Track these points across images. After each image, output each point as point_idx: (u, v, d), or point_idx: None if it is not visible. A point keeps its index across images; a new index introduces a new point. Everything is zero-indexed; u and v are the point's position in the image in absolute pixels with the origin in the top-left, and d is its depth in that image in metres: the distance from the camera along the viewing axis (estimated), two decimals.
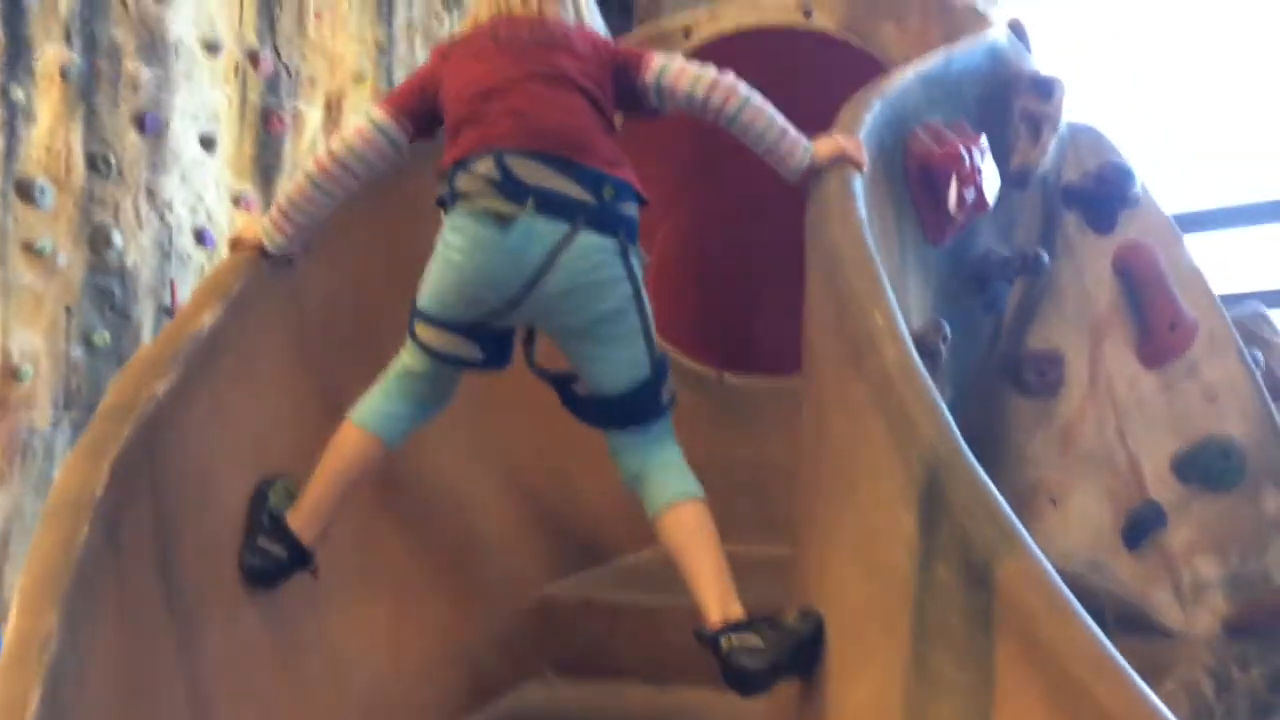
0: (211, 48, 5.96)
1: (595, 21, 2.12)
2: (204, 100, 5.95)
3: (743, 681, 1.50)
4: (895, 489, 1.29)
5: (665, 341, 2.81)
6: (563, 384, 1.82)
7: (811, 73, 2.53)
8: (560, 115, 1.74)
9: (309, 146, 6.39)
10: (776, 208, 2.56)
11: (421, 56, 6.97)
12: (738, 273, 2.92)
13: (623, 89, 1.83)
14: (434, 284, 1.74)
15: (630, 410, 1.76)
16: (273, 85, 6.29)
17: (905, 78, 2.02)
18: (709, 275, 2.92)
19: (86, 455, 1.33)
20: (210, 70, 6.00)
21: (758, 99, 1.78)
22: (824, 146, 1.77)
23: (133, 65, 5.66)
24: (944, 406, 1.28)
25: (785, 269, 2.70)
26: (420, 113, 1.85)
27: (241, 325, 1.67)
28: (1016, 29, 2.52)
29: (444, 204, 1.76)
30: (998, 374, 2.49)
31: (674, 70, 1.80)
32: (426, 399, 1.82)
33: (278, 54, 6.34)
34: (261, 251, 1.82)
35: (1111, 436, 2.49)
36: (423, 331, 1.76)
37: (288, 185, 1.88)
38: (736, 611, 1.59)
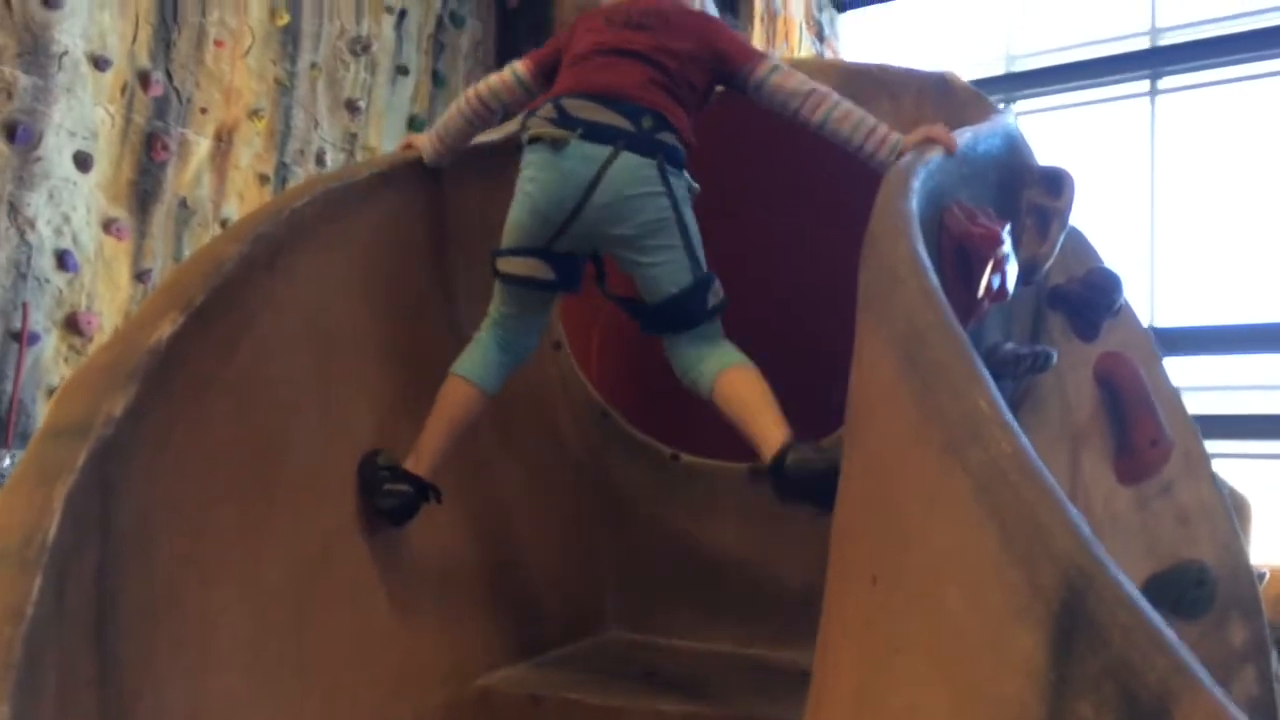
0: (100, 63, 5.56)
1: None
2: (84, 116, 5.52)
3: (807, 480, 1.77)
4: (1009, 603, 1.09)
5: (619, 415, 2.63)
6: (628, 304, 2.07)
7: (804, 137, 2.40)
8: (615, 76, 2.02)
9: (193, 178, 6.01)
10: (738, 280, 2.41)
11: (324, 100, 6.70)
12: None
13: (721, 75, 2.12)
14: (511, 219, 2.03)
15: (681, 312, 1.99)
16: (161, 109, 5.90)
17: (933, 149, 1.88)
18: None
19: (34, 484, 1.02)
20: (95, 86, 5.59)
21: (844, 107, 2.03)
22: (912, 136, 1.95)
23: (9, 71, 5.22)
24: (1077, 511, 1.10)
25: (746, 346, 2.54)
26: (552, 70, 2.17)
27: (203, 340, 1.38)
28: None
29: (518, 148, 2.06)
30: None
31: (778, 78, 2.07)
32: (516, 340, 2.08)
33: (170, 77, 5.96)
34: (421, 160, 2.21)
35: None
36: (504, 263, 2.04)
37: (444, 114, 2.28)
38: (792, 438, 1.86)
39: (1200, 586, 2.36)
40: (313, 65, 6.65)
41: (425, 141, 2.25)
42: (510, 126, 2.46)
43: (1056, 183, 2.22)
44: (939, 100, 2.42)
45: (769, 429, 1.88)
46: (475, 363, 2.04)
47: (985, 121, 2.23)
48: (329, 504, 1.73)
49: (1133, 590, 1.03)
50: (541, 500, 2.47)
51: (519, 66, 2.22)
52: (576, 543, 2.51)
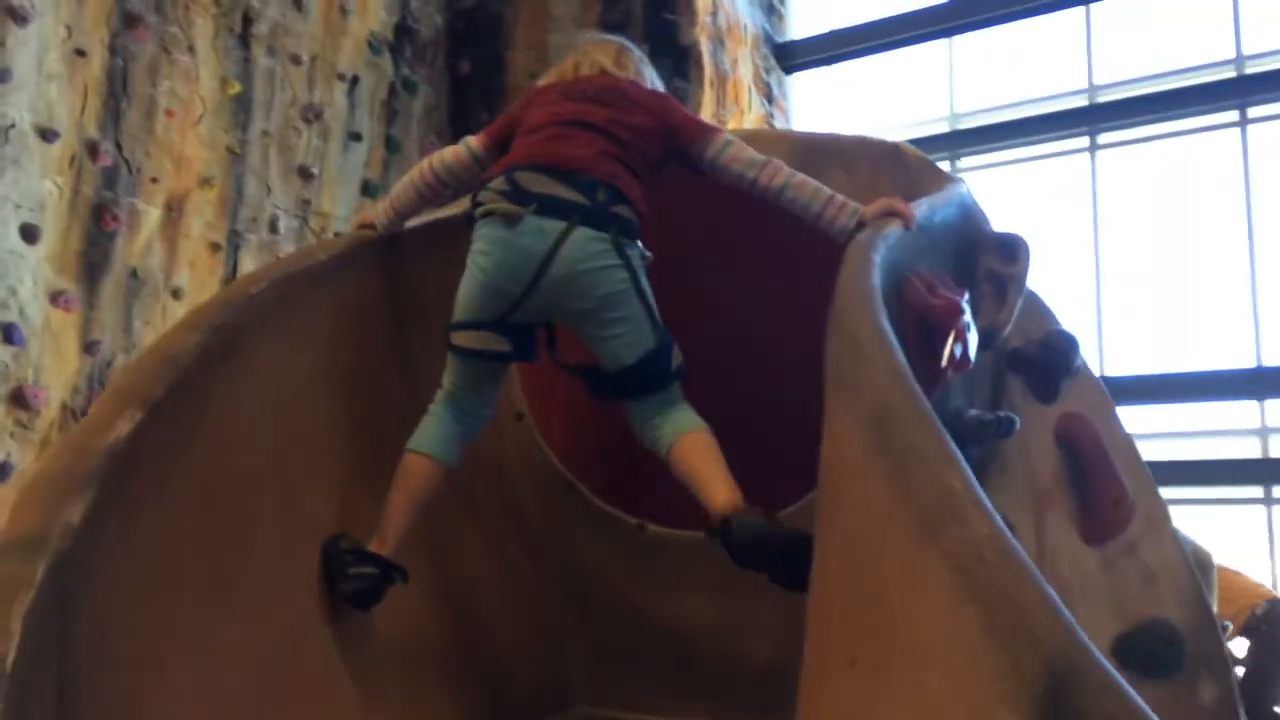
0: (47, 135, 5.50)
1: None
2: (31, 188, 5.44)
3: (755, 544, 1.81)
4: (991, 688, 1.08)
5: (583, 486, 2.60)
6: (584, 373, 2.10)
7: (757, 213, 2.42)
8: (569, 148, 2.03)
9: (143, 248, 5.94)
10: (702, 346, 2.41)
11: (276, 167, 6.67)
12: None
13: (674, 150, 2.13)
14: (463, 293, 2.03)
15: (643, 379, 2.02)
16: (110, 179, 5.84)
17: (891, 224, 1.90)
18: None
19: None
20: (42, 157, 5.52)
21: (799, 178, 2.05)
22: (872, 207, 1.96)
23: None
24: (1057, 596, 1.10)
25: (711, 413, 2.54)
26: (506, 144, 2.17)
27: (161, 437, 1.34)
28: None
29: (470, 221, 2.06)
30: None
31: (730, 152, 2.09)
32: (471, 412, 2.07)
33: (119, 148, 5.91)
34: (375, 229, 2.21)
35: None
36: (457, 337, 2.04)
37: (397, 184, 2.27)
38: (743, 503, 1.90)
39: (1169, 646, 2.36)
40: (264, 133, 6.62)
41: (379, 211, 2.25)
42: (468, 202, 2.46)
43: (1011, 249, 2.25)
44: (892, 170, 2.45)
45: (717, 493, 1.91)
46: (432, 437, 2.03)
47: (939, 191, 2.26)
48: (289, 598, 1.68)
49: (1116, 676, 1.03)
50: (505, 576, 2.43)
51: (473, 141, 2.22)
52: (542, 618, 2.47)
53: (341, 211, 6.96)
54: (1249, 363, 7.77)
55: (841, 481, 1.46)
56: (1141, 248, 8.32)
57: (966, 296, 2.00)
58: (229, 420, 1.57)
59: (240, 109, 6.47)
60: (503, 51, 7.58)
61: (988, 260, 2.24)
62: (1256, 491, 7.79)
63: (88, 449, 1.22)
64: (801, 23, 9.02)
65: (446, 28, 7.74)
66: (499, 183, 2.02)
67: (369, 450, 1.98)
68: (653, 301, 2.03)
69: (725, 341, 2.75)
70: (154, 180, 5.97)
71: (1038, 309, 2.56)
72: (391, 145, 7.23)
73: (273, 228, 6.60)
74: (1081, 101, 8.73)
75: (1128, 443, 2.55)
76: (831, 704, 1.39)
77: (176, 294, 5.99)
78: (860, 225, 1.95)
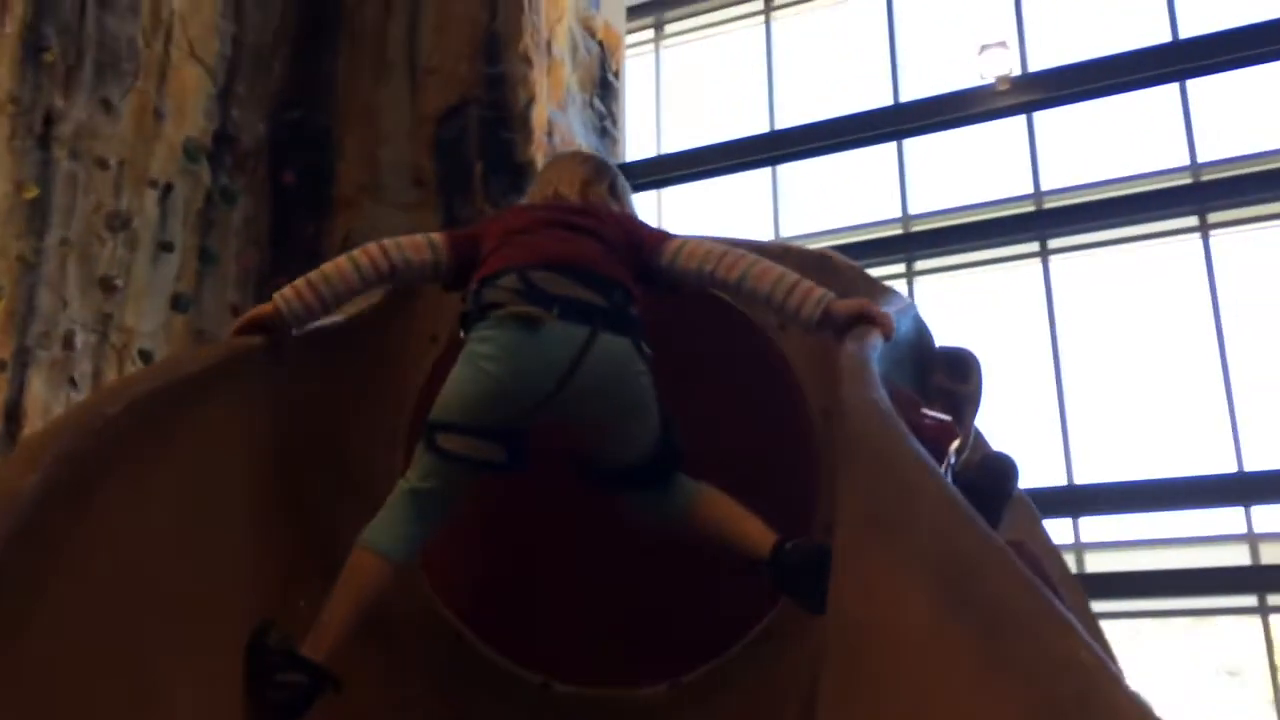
0: None
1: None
2: None
3: (819, 558, 1.68)
4: None
5: (474, 635, 2.22)
6: (581, 465, 1.97)
7: (679, 326, 2.18)
8: (572, 248, 1.91)
9: None
10: None
11: (75, 278, 6.03)
12: (563, 553, 2.33)
13: (641, 265, 1.98)
14: (461, 394, 1.83)
15: (657, 468, 1.92)
16: None
17: (872, 333, 1.69)
18: (526, 553, 2.34)
19: None
20: None
21: (763, 264, 1.91)
22: (845, 303, 1.85)
23: None
24: None
25: (626, 549, 2.23)
26: (465, 256, 1.98)
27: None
28: None
29: (467, 321, 1.90)
30: None
31: (687, 250, 1.96)
32: (434, 513, 1.86)
33: None
34: (268, 325, 1.83)
35: None
36: (447, 441, 1.83)
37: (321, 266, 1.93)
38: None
39: None
40: (63, 241, 6.00)
41: (286, 293, 1.86)
42: (352, 308, 2.12)
43: (962, 366, 2.09)
44: (822, 279, 2.22)
45: (759, 531, 1.86)
46: (388, 534, 1.82)
47: (882, 300, 2.08)
48: None
49: None
50: None
51: (436, 238, 2.01)
52: None
53: (147, 326, 6.35)
54: (1060, 480, 8.08)
55: (888, 646, 1.18)
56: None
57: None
58: (71, 586, 1.16)
59: (36, 215, 5.85)
60: (332, 162, 7.22)
61: (938, 378, 2.06)
62: None
63: None
64: (634, 146, 9.16)
65: (269, 136, 7.32)
66: (510, 280, 1.86)
67: (250, 611, 1.58)
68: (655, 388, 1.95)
69: None
70: None
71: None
72: (206, 257, 6.70)
73: (68, 343, 5.93)
74: (896, 230, 9.18)
75: (1056, 555, 2.40)
76: None
77: None
78: (827, 314, 1.83)
